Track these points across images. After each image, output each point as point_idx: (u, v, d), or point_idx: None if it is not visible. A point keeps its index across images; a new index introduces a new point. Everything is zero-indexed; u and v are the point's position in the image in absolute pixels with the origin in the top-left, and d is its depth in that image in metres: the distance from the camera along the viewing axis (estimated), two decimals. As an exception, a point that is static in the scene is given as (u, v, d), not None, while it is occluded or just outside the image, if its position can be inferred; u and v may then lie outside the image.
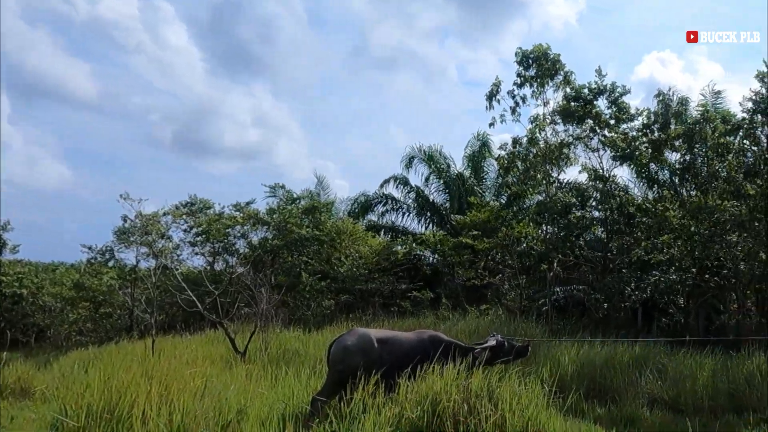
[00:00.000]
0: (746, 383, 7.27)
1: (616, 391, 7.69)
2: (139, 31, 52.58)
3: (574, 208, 14.04)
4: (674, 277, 11.66)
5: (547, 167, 14.20)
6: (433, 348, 5.95)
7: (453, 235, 15.83)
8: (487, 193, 19.95)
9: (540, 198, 15.36)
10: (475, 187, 19.74)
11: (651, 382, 7.75)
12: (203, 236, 16.78)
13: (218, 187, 50.18)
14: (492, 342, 6.15)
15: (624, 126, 13.92)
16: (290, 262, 15.86)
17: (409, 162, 20.65)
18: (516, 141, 14.69)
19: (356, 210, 21.00)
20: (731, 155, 12.69)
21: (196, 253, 17.22)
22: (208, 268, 16.98)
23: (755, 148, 12.82)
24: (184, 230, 17.15)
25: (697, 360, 8.28)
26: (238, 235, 17.08)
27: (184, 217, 17.13)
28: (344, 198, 22.31)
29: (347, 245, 16.53)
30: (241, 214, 16.96)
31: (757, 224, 10.71)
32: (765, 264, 10.57)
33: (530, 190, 15.00)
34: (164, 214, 16.27)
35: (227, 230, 16.70)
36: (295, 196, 20.17)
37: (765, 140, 12.86)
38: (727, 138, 12.88)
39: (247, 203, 17.72)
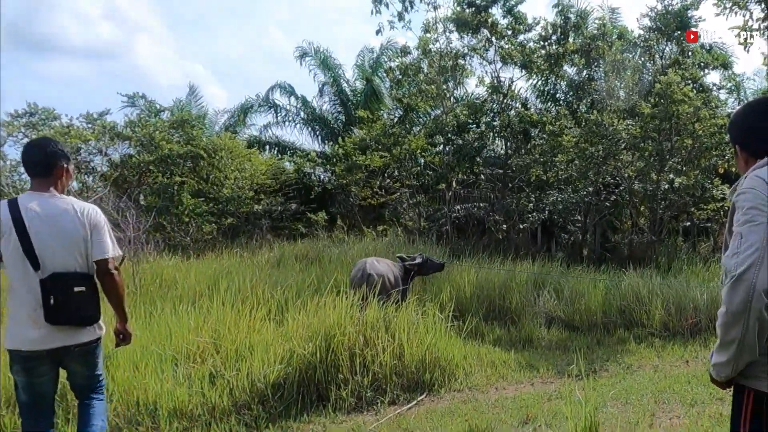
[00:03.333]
0: (636, 299, 8.12)
1: (515, 312, 8.26)
2: None
3: (470, 126, 14.41)
4: (572, 196, 12.53)
5: (442, 80, 14.27)
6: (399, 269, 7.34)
7: (346, 152, 15.76)
8: (381, 107, 19.88)
9: (436, 113, 15.55)
10: (371, 98, 19.56)
11: (548, 302, 8.42)
12: (50, 152, 15.28)
13: (65, 93, 45.41)
14: (419, 260, 7.49)
15: (521, 37, 14.21)
16: (161, 182, 15.05)
17: (302, 56, 19.88)
18: (405, 50, 14.50)
19: (235, 122, 20.19)
20: (628, 72, 13.52)
21: (42, 173, 15.74)
22: (58, 189, 15.64)
23: (651, 66, 13.74)
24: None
25: (592, 279, 9.10)
26: (94, 151, 15.78)
27: (22, 129, 15.45)
28: (220, 109, 21.30)
29: (227, 163, 15.92)
30: (94, 128, 15.59)
31: (650, 144, 11.61)
32: (656, 184, 11.57)
33: (424, 104, 15.09)
34: (-5, 125, 14.61)
35: (79, 145, 15.35)
36: (159, 107, 18.77)
37: (659, 59, 13.80)
38: (624, 54, 13.65)
39: (101, 114, 16.23)
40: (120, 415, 4.59)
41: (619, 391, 5.36)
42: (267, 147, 19.79)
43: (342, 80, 20.07)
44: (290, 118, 20.04)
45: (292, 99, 20.10)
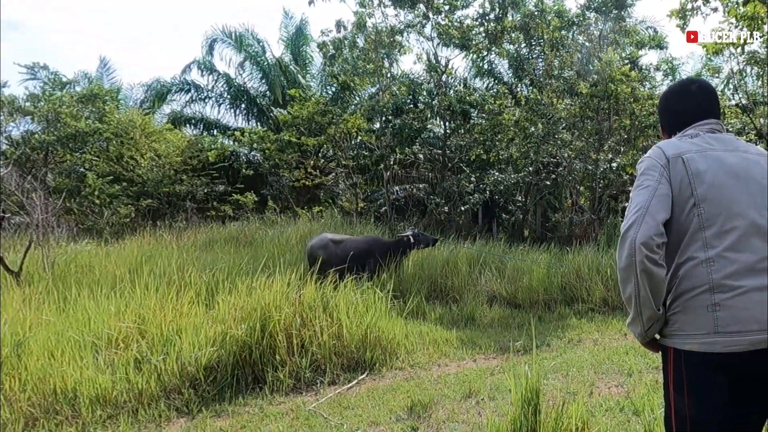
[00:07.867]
0: (576, 276, 8.53)
1: (457, 290, 8.53)
2: None
3: (408, 106, 14.55)
4: (513, 176, 12.94)
5: (379, 56, 14.33)
6: (375, 247, 8.31)
7: (276, 131, 15.61)
8: (313, 84, 19.76)
9: (371, 91, 15.57)
10: (298, 76, 19.41)
11: (490, 280, 8.73)
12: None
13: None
14: (408, 233, 8.64)
15: (459, 13, 14.46)
16: (70, 162, 14.53)
17: (210, 47, 19.50)
18: (340, 24, 14.49)
19: (151, 99, 19.62)
20: (566, 51, 14.06)
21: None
22: (-50, 170, 14.80)
23: (588, 45, 14.35)
24: None
25: (534, 257, 9.49)
26: (-9, 127, 15.04)
27: None
28: (135, 84, 20.62)
29: (142, 141, 15.53)
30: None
31: (588, 123, 12.12)
32: (595, 163, 12.12)
33: (360, 81, 15.12)
34: None
35: (-27, 120, 14.58)
36: (65, 79, 18.00)
37: (596, 37, 14.42)
38: (562, 32, 14.16)
39: (-3, 86, 15.52)
40: (35, 404, 4.48)
41: (559, 364, 5.66)
42: (189, 125, 19.37)
43: (268, 56, 19.75)
44: (213, 97, 19.64)
45: (213, 76, 19.66)
